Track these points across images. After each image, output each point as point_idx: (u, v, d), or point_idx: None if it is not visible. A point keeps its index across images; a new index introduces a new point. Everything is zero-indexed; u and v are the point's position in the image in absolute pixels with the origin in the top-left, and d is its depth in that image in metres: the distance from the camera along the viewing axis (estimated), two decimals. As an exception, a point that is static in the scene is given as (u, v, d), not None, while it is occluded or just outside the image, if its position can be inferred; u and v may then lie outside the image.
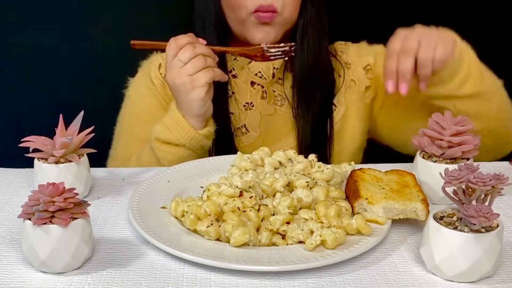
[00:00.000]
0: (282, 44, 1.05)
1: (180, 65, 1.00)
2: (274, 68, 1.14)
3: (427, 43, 0.93)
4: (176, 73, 1.01)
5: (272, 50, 1.04)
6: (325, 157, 1.13)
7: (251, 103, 1.16)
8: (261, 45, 1.05)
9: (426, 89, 0.99)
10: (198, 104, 1.01)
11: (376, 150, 1.26)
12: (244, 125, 1.16)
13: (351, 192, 0.81)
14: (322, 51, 1.15)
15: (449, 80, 0.98)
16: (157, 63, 1.18)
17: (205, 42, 1.04)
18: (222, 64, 1.13)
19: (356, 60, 1.20)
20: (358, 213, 0.77)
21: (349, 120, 1.18)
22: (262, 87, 1.16)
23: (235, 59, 1.16)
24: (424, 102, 1.06)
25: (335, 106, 1.17)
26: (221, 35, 1.13)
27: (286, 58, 1.08)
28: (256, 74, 1.16)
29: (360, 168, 0.86)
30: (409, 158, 0.92)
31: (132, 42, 1.05)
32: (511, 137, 1.10)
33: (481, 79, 1.00)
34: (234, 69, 1.16)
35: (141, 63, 1.22)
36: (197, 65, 1.00)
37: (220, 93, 1.13)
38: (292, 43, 1.06)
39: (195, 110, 1.02)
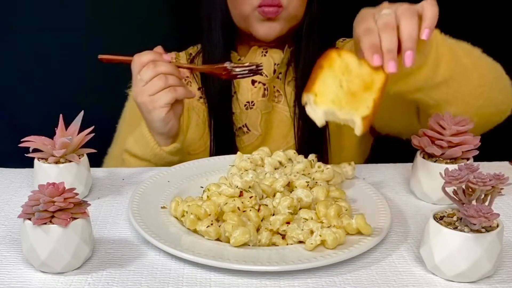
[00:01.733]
0: (247, 64, 1.01)
1: (142, 84, 0.97)
2: (275, 64, 1.13)
3: (407, 13, 0.79)
4: (138, 91, 0.98)
5: (237, 69, 1.01)
6: (323, 155, 1.12)
7: (252, 102, 1.16)
8: (225, 64, 1.01)
9: (397, 83, 0.89)
10: (159, 124, 0.99)
11: (378, 150, 1.26)
12: (245, 124, 1.16)
13: (311, 76, 0.78)
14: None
15: (419, 69, 0.87)
16: None
17: (169, 58, 0.99)
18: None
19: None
20: (305, 103, 0.77)
21: None
22: (264, 84, 1.16)
23: (239, 59, 1.16)
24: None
25: None
26: (226, 32, 1.12)
27: (255, 76, 1.03)
28: None
29: (338, 49, 0.81)
30: (410, 158, 0.92)
31: (99, 57, 1.02)
32: (500, 105, 0.99)
33: (453, 58, 0.90)
34: None
35: None
36: (158, 84, 0.96)
37: (224, 94, 1.13)
38: (260, 63, 1.01)
39: (157, 129, 1.01)
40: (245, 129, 1.16)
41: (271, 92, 1.16)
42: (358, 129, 0.76)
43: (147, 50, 1.00)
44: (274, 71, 1.14)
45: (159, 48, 1.01)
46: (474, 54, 0.95)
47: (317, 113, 0.76)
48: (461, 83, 0.91)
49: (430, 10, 0.80)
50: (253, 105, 1.15)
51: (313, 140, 1.13)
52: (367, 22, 0.81)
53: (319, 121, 0.76)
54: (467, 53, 0.94)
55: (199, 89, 1.17)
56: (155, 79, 0.96)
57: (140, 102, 0.99)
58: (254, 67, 1.00)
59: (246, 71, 1.01)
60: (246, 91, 1.16)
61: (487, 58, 0.98)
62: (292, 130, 1.15)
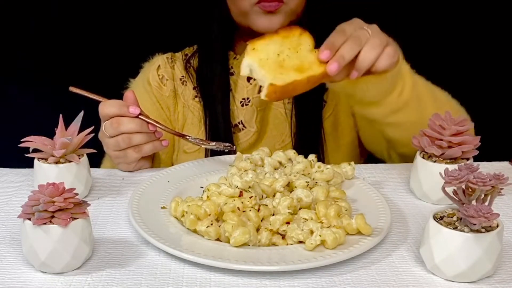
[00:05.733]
0: (214, 143, 0.98)
1: (107, 136, 0.95)
2: None
3: (377, 42, 0.85)
4: (103, 142, 0.96)
5: (202, 146, 0.99)
6: (320, 154, 1.13)
7: (247, 98, 1.16)
8: (187, 137, 0.98)
9: (357, 108, 0.99)
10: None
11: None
12: (241, 121, 1.16)
13: (264, 35, 0.87)
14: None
15: (386, 97, 0.94)
16: (156, 65, 1.19)
17: (136, 111, 0.94)
18: (224, 64, 1.14)
19: None
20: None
21: (339, 114, 1.16)
22: None
23: (235, 58, 1.16)
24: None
25: (325, 101, 1.16)
26: (225, 31, 1.12)
27: (227, 150, 0.99)
28: None
29: (304, 29, 0.88)
30: (409, 159, 0.92)
31: (70, 88, 0.98)
32: None
33: (414, 87, 0.96)
34: (232, 67, 1.16)
35: (143, 64, 1.23)
36: (120, 145, 0.94)
37: (222, 90, 1.13)
38: (228, 144, 0.97)
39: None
40: (240, 126, 1.16)
41: None
42: (263, 93, 0.81)
43: (114, 100, 0.95)
44: None
45: (129, 96, 0.96)
46: (434, 91, 1.02)
47: (244, 63, 0.83)
48: (414, 111, 0.96)
49: (386, 59, 0.86)
50: (249, 101, 1.16)
51: (309, 138, 1.13)
52: (348, 27, 0.86)
53: (242, 71, 0.83)
54: (426, 86, 1.00)
55: (194, 88, 1.18)
56: (119, 138, 0.94)
57: (106, 150, 0.98)
58: (222, 147, 0.97)
59: (214, 147, 0.98)
60: (241, 88, 1.16)
61: (449, 100, 1.04)
62: (288, 128, 1.16)
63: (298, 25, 0.89)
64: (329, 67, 0.83)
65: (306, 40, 0.87)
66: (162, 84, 1.18)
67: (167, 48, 1.24)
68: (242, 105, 1.16)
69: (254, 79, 1.15)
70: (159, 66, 1.19)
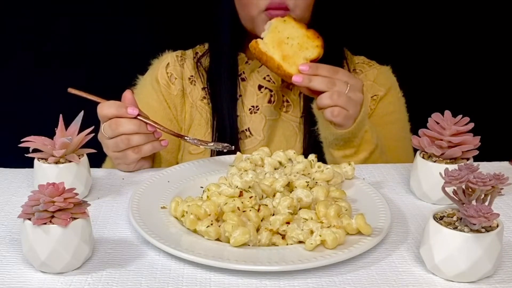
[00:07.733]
0: (212, 143, 0.99)
1: (106, 137, 0.94)
2: None
3: (341, 98, 0.96)
4: (103, 142, 0.96)
5: (201, 146, 0.99)
6: None
7: (256, 106, 1.15)
8: (185, 138, 0.98)
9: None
10: (127, 171, 0.99)
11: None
12: (248, 128, 1.15)
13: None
14: (335, 53, 1.14)
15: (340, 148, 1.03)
16: (165, 62, 1.19)
17: (135, 112, 0.93)
18: (233, 67, 1.14)
19: (370, 84, 1.17)
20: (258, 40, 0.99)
21: None
22: (271, 91, 1.16)
23: (246, 62, 1.16)
24: None
25: None
26: (234, 33, 1.13)
27: (225, 151, 0.99)
28: (264, 78, 1.15)
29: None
30: (409, 159, 0.92)
31: (69, 89, 0.98)
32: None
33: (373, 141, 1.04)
34: (244, 73, 1.16)
35: (152, 61, 1.23)
36: (120, 146, 0.94)
37: (230, 95, 1.13)
38: (226, 144, 0.97)
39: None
40: (247, 133, 1.15)
41: (279, 100, 1.16)
42: (254, 40, 1.00)
43: (112, 101, 0.94)
44: (282, 79, 1.13)
45: (127, 96, 0.95)
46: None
47: (271, 20, 1.01)
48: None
49: (341, 113, 0.97)
50: (258, 109, 1.15)
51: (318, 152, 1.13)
52: (342, 73, 0.99)
53: (266, 24, 1.02)
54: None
55: (203, 88, 1.17)
56: (117, 139, 0.93)
57: (105, 151, 0.97)
58: (220, 147, 0.96)
59: (213, 147, 0.99)
60: (251, 95, 1.16)
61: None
62: (297, 140, 1.15)
63: (323, 39, 1.01)
64: (296, 76, 0.97)
65: (313, 51, 1.00)
66: (171, 83, 1.18)
67: (178, 44, 1.24)
68: (251, 112, 1.15)
69: (266, 88, 1.15)
70: (168, 64, 1.19)
